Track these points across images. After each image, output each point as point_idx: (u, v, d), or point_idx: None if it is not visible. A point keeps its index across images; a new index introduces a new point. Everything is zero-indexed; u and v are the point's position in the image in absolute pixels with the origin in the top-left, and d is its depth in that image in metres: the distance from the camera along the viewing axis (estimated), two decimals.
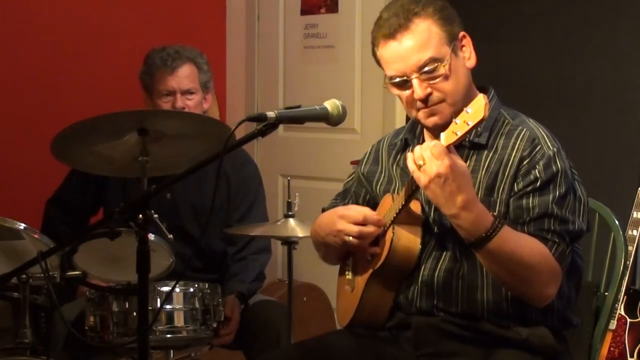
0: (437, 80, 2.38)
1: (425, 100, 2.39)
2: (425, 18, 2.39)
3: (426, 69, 2.37)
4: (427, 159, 2.21)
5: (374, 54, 2.48)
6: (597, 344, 2.96)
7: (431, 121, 2.42)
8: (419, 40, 2.38)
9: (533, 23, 4.17)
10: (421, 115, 2.43)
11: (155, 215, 2.28)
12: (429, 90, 2.38)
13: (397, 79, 2.41)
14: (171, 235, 2.49)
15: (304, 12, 4.85)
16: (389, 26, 2.40)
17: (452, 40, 2.41)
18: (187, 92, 3.43)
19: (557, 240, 2.34)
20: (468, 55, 2.46)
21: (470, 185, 2.26)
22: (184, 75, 3.44)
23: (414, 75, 2.38)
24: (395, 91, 2.44)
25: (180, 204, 3.46)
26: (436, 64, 2.37)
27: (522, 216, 2.35)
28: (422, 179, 2.23)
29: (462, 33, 2.45)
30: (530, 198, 2.35)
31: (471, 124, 2.16)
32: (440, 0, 2.45)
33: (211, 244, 3.49)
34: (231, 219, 3.49)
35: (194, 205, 3.45)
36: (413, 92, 2.39)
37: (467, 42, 2.46)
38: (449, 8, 2.45)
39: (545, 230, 2.34)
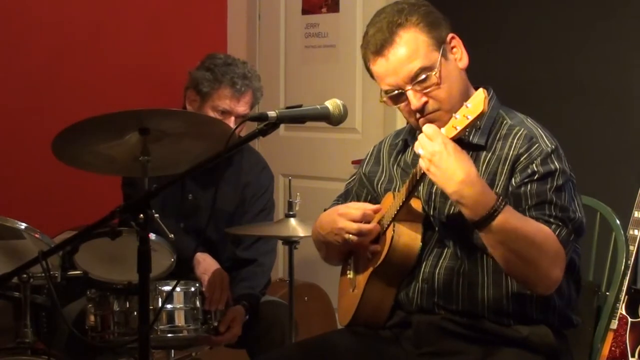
0: (431, 88, 2.39)
1: (422, 110, 2.41)
2: (410, 27, 2.40)
3: (419, 79, 2.38)
4: (422, 142, 2.24)
5: (367, 69, 2.50)
6: (598, 343, 2.96)
7: None
8: (406, 52, 2.39)
9: (532, 23, 4.17)
10: (421, 122, 2.44)
11: (157, 215, 2.28)
12: (424, 99, 2.40)
13: (393, 92, 2.43)
14: (172, 235, 2.49)
15: (305, 11, 4.85)
16: (375, 43, 2.42)
17: (441, 45, 2.41)
18: (242, 116, 3.46)
19: (560, 224, 2.34)
20: (459, 56, 2.46)
21: (469, 163, 2.25)
22: (245, 102, 3.49)
23: (408, 87, 2.39)
24: (393, 104, 2.46)
25: (201, 207, 3.48)
26: (427, 73, 2.38)
27: (521, 204, 2.36)
28: (423, 163, 2.25)
29: (450, 35, 2.45)
30: (529, 186, 2.36)
31: (471, 118, 2.17)
32: (424, 6, 2.45)
33: (227, 248, 3.51)
34: (239, 222, 3.50)
35: (213, 208, 3.45)
36: (409, 103, 2.40)
37: (457, 43, 2.46)
38: (433, 12, 2.45)
39: (547, 215, 2.34)
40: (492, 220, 2.24)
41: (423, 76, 2.38)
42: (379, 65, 2.43)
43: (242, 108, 3.46)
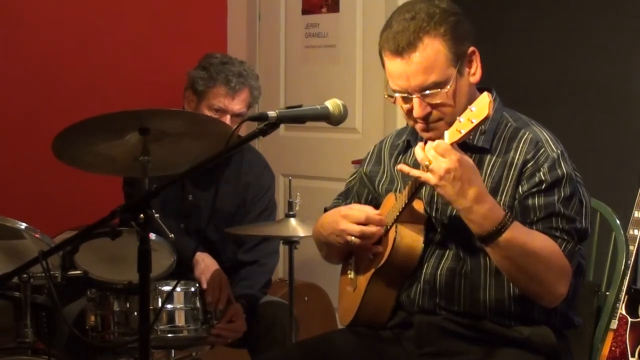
0: (438, 102, 2.37)
1: (424, 118, 2.39)
2: (435, 37, 2.34)
3: (428, 92, 2.36)
4: (433, 158, 2.22)
5: (381, 56, 2.45)
6: (598, 343, 2.96)
7: (426, 135, 2.42)
8: (424, 62, 2.34)
9: (533, 24, 4.17)
10: (418, 127, 2.44)
11: (157, 215, 2.28)
12: (428, 109, 2.38)
13: (399, 94, 2.41)
14: (172, 235, 2.49)
15: (305, 11, 4.85)
16: (396, 42, 2.35)
17: (459, 60, 2.37)
18: (237, 115, 3.46)
19: (566, 237, 2.34)
20: (474, 71, 2.42)
21: (479, 178, 2.26)
22: (241, 100, 3.48)
23: (415, 95, 2.37)
24: (396, 103, 2.44)
25: (202, 207, 3.48)
26: (439, 89, 2.35)
27: (529, 216, 2.35)
28: (431, 179, 2.23)
29: (471, 49, 2.41)
30: (536, 198, 2.35)
31: (475, 122, 2.16)
32: (454, 15, 2.39)
33: (227, 248, 3.51)
34: (241, 222, 3.50)
35: (213, 208, 3.45)
36: (413, 107, 2.39)
37: (476, 58, 2.42)
38: (462, 24, 2.40)
39: (554, 229, 2.34)
40: (499, 236, 2.25)
41: (434, 90, 2.35)
42: (394, 65, 2.38)
43: (237, 106, 3.45)
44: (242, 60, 3.59)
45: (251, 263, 3.48)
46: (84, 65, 4.57)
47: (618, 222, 2.97)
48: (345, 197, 2.76)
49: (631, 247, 3.32)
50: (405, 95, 2.39)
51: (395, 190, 2.56)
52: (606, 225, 3.00)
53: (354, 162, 4.34)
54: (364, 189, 2.69)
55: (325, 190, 4.07)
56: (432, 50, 2.34)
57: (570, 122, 3.92)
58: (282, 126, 2.43)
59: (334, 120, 2.36)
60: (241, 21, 5.10)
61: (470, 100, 2.35)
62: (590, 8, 4.00)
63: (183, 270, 3.18)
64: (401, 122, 4.29)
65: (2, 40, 4.37)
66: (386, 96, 2.46)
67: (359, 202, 2.68)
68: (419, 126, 2.43)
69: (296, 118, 2.35)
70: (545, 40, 4.12)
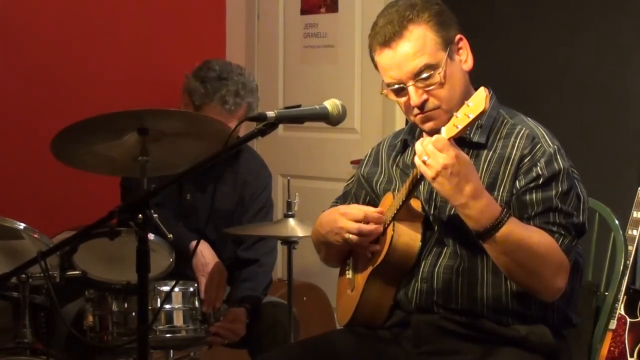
0: (433, 87, 2.40)
1: (421, 107, 2.41)
2: (420, 24, 2.41)
3: (422, 76, 2.39)
4: (431, 153, 2.22)
5: (372, 59, 2.50)
6: (597, 343, 2.97)
7: (427, 126, 2.44)
8: (413, 47, 2.39)
9: (531, 22, 4.17)
10: (418, 120, 2.45)
11: (155, 215, 2.28)
12: (424, 97, 2.40)
13: (394, 86, 2.43)
14: (171, 235, 2.49)
15: (303, 11, 4.85)
16: (384, 34, 2.42)
17: (448, 45, 2.42)
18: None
19: (563, 232, 2.35)
20: (465, 58, 2.47)
21: (476, 175, 2.27)
22: (237, 117, 3.41)
23: (410, 82, 2.40)
24: (393, 97, 2.46)
25: (199, 207, 3.48)
26: (432, 71, 2.39)
27: (526, 211, 2.36)
28: (428, 172, 2.24)
29: (458, 36, 2.46)
30: (534, 194, 2.36)
31: (472, 116, 2.17)
32: (436, 5, 2.46)
33: (227, 247, 3.51)
34: (239, 221, 3.50)
35: (212, 207, 3.45)
36: (409, 98, 2.40)
37: (464, 45, 2.47)
38: (445, 12, 2.46)
39: (551, 224, 2.35)
40: (496, 231, 2.26)
41: (427, 74, 2.39)
42: (385, 57, 2.43)
43: (233, 123, 3.42)
44: (241, 69, 3.52)
45: (251, 261, 3.48)
46: (83, 65, 4.57)
47: (617, 222, 2.98)
48: (343, 200, 2.76)
49: (630, 247, 3.32)
50: (400, 85, 2.41)
51: (394, 190, 2.57)
52: (605, 225, 3.00)
53: (352, 163, 4.34)
54: (361, 191, 2.69)
55: (324, 190, 4.08)
56: (418, 35, 2.40)
57: (569, 122, 3.92)
58: (280, 126, 2.43)
59: (333, 120, 2.36)
60: (240, 21, 5.10)
61: (466, 91, 2.41)
62: (589, 7, 4.00)
63: (182, 265, 3.17)
64: (400, 122, 4.30)
65: (2, 40, 4.37)
66: (381, 93, 2.49)
67: (357, 203, 2.68)
68: (418, 118, 2.44)
69: (295, 118, 2.35)
70: (544, 39, 4.12)
